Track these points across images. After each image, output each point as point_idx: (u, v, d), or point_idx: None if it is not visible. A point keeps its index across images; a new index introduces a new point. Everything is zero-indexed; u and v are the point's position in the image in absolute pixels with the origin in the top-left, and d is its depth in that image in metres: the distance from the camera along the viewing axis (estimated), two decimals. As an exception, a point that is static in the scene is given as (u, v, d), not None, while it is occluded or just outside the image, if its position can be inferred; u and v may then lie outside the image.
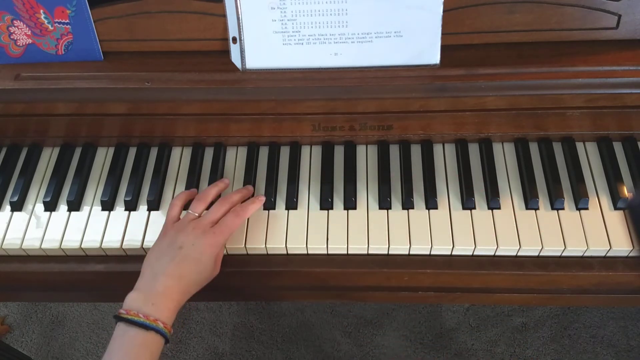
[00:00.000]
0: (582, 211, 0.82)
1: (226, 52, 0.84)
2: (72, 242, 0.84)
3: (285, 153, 0.90)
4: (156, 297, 0.71)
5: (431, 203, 0.83)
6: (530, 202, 0.82)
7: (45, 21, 0.84)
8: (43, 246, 0.84)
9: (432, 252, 0.81)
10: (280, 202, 0.85)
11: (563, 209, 0.82)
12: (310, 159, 0.90)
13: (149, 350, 0.68)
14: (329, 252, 0.82)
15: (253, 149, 0.90)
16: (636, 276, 0.80)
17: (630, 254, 0.80)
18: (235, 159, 0.91)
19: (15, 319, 1.58)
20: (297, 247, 0.82)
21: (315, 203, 0.85)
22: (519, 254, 0.81)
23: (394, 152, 0.89)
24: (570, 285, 0.84)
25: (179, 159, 0.91)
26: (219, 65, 0.85)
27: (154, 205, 0.86)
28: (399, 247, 0.81)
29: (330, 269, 0.82)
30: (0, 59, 0.87)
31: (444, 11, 0.79)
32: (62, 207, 0.88)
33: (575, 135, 0.88)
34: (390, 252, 0.82)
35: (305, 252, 0.82)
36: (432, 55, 0.82)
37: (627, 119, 0.85)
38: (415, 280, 0.83)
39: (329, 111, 0.85)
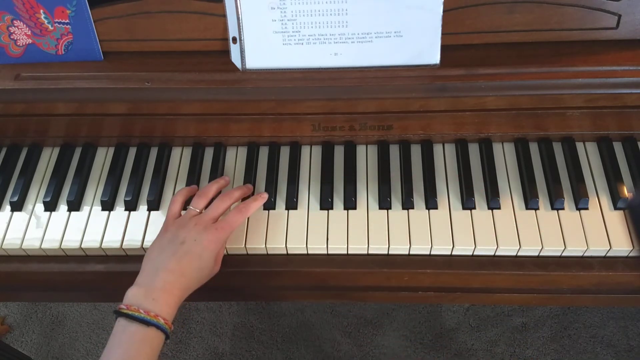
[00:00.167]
0: (582, 211, 0.82)
1: (226, 52, 0.84)
2: (72, 242, 0.84)
3: (285, 153, 0.90)
4: (157, 292, 0.70)
5: (431, 203, 0.83)
6: (530, 202, 0.82)
7: (45, 21, 0.84)
8: (43, 246, 0.84)
9: (432, 252, 0.81)
10: (280, 202, 0.85)
11: (563, 209, 0.82)
12: (310, 159, 0.90)
13: (149, 346, 0.67)
14: (329, 252, 0.82)
15: (253, 149, 0.90)
16: (636, 276, 0.80)
17: (630, 254, 0.80)
18: (235, 159, 0.91)
19: (15, 319, 1.58)
20: (297, 247, 0.82)
21: (315, 203, 0.85)
22: (519, 254, 0.81)
23: (394, 152, 0.89)
24: (570, 285, 0.84)
25: (179, 159, 0.91)
26: (219, 65, 0.85)
27: (154, 205, 0.86)
28: (399, 247, 0.81)
29: (330, 269, 0.82)
30: (0, 59, 0.87)
31: (444, 11, 0.79)
32: (62, 207, 0.88)
33: (575, 135, 0.88)
34: (390, 252, 0.82)
35: (305, 252, 0.82)
36: (432, 55, 0.82)
37: (627, 119, 0.85)
38: (415, 280, 0.83)
39: (329, 111, 0.85)
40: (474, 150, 0.89)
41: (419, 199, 0.84)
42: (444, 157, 0.89)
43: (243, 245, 0.82)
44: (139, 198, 0.87)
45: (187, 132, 0.90)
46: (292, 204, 0.85)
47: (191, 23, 0.84)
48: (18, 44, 0.86)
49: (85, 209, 0.87)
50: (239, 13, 0.81)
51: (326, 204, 0.84)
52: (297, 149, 0.90)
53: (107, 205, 0.87)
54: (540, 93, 0.81)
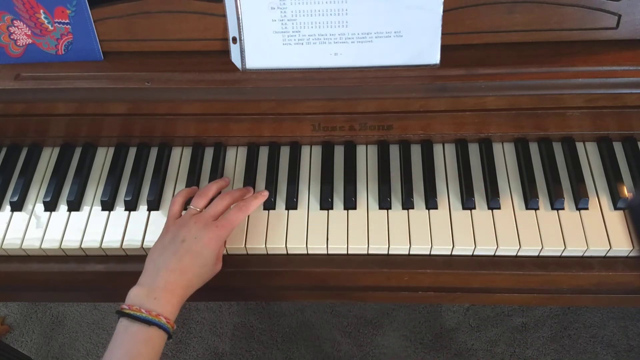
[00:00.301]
0: (582, 211, 0.82)
1: (226, 52, 0.84)
2: (72, 242, 0.84)
3: (285, 153, 0.90)
4: (159, 291, 0.70)
5: (431, 203, 0.83)
6: (530, 202, 0.82)
7: (45, 21, 0.84)
8: (43, 246, 0.84)
9: (432, 252, 0.81)
10: (280, 202, 0.85)
11: (563, 209, 0.82)
12: (310, 159, 0.90)
13: (151, 345, 0.67)
14: (329, 252, 0.82)
15: (253, 149, 0.90)
16: (636, 276, 0.80)
17: (630, 254, 0.80)
18: (235, 159, 0.91)
19: (15, 319, 1.58)
20: (297, 247, 0.82)
21: (315, 203, 0.85)
22: (519, 254, 0.81)
23: (394, 152, 0.89)
24: (570, 285, 0.84)
25: (179, 159, 0.91)
26: (219, 65, 0.85)
27: (154, 205, 0.86)
28: (399, 247, 0.81)
29: (330, 269, 0.82)
30: (0, 59, 0.87)
31: (444, 11, 0.79)
32: (62, 207, 0.88)
33: (575, 135, 0.88)
34: (390, 252, 0.82)
35: (305, 252, 0.82)
36: (432, 55, 0.82)
37: (627, 119, 0.85)
38: (415, 280, 0.83)
39: (329, 111, 0.85)
40: (474, 150, 0.89)
41: (419, 199, 0.84)
42: (444, 157, 0.89)
43: (243, 245, 0.82)
44: (139, 198, 0.87)
45: (187, 132, 0.90)
46: (292, 204, 0.85)
47: (191, 23, 0.84)
48: (18, 44, 0.86)
49: (85, 209, 0.87)
50: (239, 13, 0.81)
51: (326, 204, 0.84)
52: (297, 149, 0.90)
53: (107, 205, 0.87)
54: (540, 93, 0.81)
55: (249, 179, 0.87)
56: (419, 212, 0.83)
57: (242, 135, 0.89)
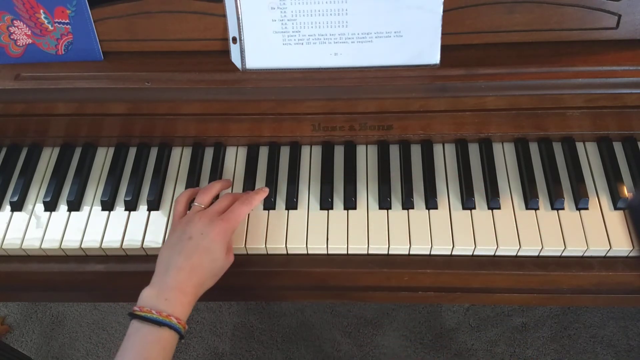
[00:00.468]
0: (582, 211, 0.82)
1: (226, 52, 0.84)
2: (72, 242, 0.84)
3: (285, 153, 0.90)
4: (169, 292, 0.70)
5: (431, 203, 0.83)
6: (530, 202, 0.82)
7: (45, 21, 0.84)
8: (43, 246, 0.84)
9: (432, 252, 0.81)
10: (280, 202, 0.85)
11: (563, 209, 0.82)
12: (310, 159, 0.90)
13: (162, 347, 0.67)
14: (329, 252, 0.82)
15: (253, 149, 0.90)
16: (636, 276, 0.80)
17: (630, 254, 0.80)
18: (235, 159, 0.91)
19: (15, 319, 1.58)
20: (297, 247, 0.82)
21: (315, 203, 0.85)
22: (519, 254, 0.81)
23: (394, 152, 0.89)
24: (570, 285, 0.84)
25: (179, 159, 0.91)
26: (219, 65, 0.85)
27: (154, 205, 0.86)
28: (399, 247, 0.81)
29: (330, 269, 0.82)
30: (0, 59, 0.87)
31: (444, 11, 0.79)
32: (62, 207, 0.88)
33: (575, 135, 0.88)
34: (390, 252, 0.82)
35: (305, 252, 0.82)
36: (432, 55, 0.82)
37: (627, 119, 0.85)
38: (415, 280, 0.83)
39: (329, 111, 0.85)
40: (474, 150, 0.89)
41: (419, 199, 0.84)
42: (444, 157, 0.89)
43: (243, 245, 0.82)
44: (139, 198, 0.87)
45: (187, 132, 0.90)
46: (292, 204, 0.85)
47: (191, 23, 0.84)
48: (18, 44, 0.86)
49: (85, 209, 0.87)
50: (239, 13, 0.81)
51: (326, 204, 0.84)
52: (297, 149, 0.90)
53: (107, 205, 0.87)
54: (540, 93, 0.81)
55: (249, 179, 0.87)
56: (419, 212, 0.83)
57: (242, 135, 0.89)
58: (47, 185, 0.89)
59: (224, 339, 1.51)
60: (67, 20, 0.84)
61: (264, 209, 0.85)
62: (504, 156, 0.88)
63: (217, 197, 0.83)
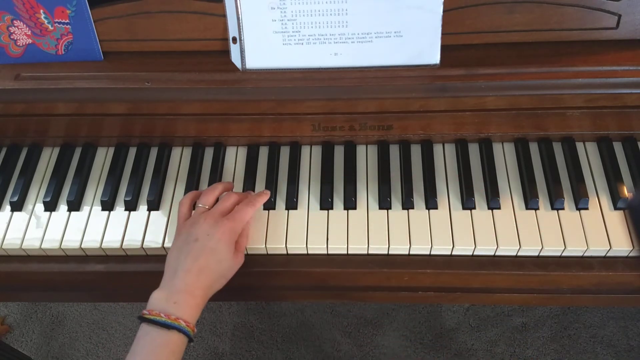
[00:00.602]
0: (582, 211, 0.82)
1: (226, 52, 0.84)
2: (72, 242, 0.84)
3: (285, 153, 0.90)
4: (178, 295, 0.70)
5: (431, 203, 0.83)
6: (530, 202, 0.82)
7: (45, 21, 0.84)
8: (43, 246, 0.84)
9: (432, 252, 0.81)
10: (280, 202, 0.85)
11: (563, 209, 0.82)
12: (310, 159, 0.90)
13: (170, 350, 0.67)
14: (329, 252, 0.82)
15: (253, 149, 0.90)
16: (636, 276, 0.80)
17: (630, 254, 0.80)
18: (235, 159, 0.91)
19: (15, 319, 1.58)
20: (297, 247, 0.82)
21: (315, 203, 0.85)
22: (519, 254, 0.81)
23: (394, 152, 0.89)
24: (570, 285, 0.84)
25: (179, 159, 0.91)
26: (219, 65, 0.85)
27: (154, 205, 0.86)
28: (399, 247, 0.81)
29: (330, 269, 0.82)
30: (0, 59, 0.87)
31: (444, 11, 0.79)
32: (62, 207, 0.88)
33: (575, 135, 0.88)
34: (390, 252, 0.82)
35: (305, 252, 0.82)
36: (432, 55, 0.82)
37: (627, 119, 0.85)
38: (415, 280, 0.83)
39: (329, 111, 0.85)
40: (474, 150, 0.89)
41: (419, 199, 0.84)
42: (444, 157, 0.89)
43: (243, 245, 0.82)
44: (139, 198, 0.87)
45: (187, 132, 0.90)
46: (292, 204, 0.85)
47: (191, 23, 0.84)
48: (18, 44, 0.86)
49: (85, 209, 0.87)
50: (239, 13, 0.81)
51: (326, 204, 0.84)
52: (297, 149, 0.90)
53: (107, 205, 0.87)
54: (540, 93, 0.81)
55: (249, 179, 0.87)
56: (419, 212, 0.83)
57: (242, 135, 0.89)
58: (47, 185, 0.89)
59: (224, 339, 1.51)
60: (67, 20, 0.84)
61: (264, 209, 0.85)
62: (504, 156, 0.88)
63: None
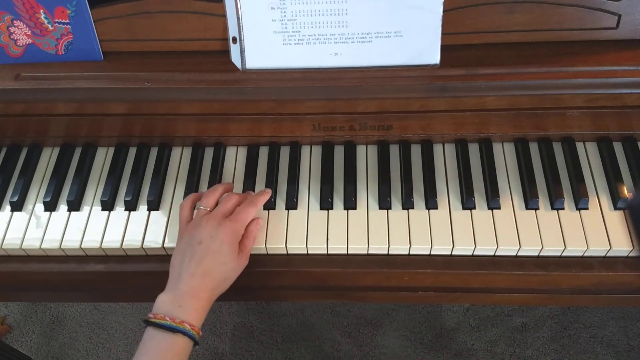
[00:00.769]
0: (582, 211, 0.82)
1: (226, 52, 0.84)
2: (72, 242, 0.84)
3: (285, 153, 0.90)
4: (183, 298, 0.70)
5: (431, 203, 0.83)
6: (530, 202, 0.82)
7: (45, 21, 0.84)
8: (43, 246, 0.84)
9: (432, 252, 0.81)
10: (280, 202, 0.85)
11: (563, 209, 0.82)
12: (310, 159, 0.90)
13: (175, 353, 0.68)
14: (329, 252, 0.82)
15: (253, 149, 0.90)
16: (636, 276, 0.80)
17: (630, 254, 0.80)
18: (235, 159, 0.91)
19: (15, 319, 1.58)
20: (297, 247, 0.82)
21: (315, 203, 0.85)
22: (519, 254, 0.81)
23: (394, 152, 0.89)
24: (570, 285, 0.84)
25: (179, 159, 0.91)
26: (219, 65, 0.85)
27: (154, 205, 0.86)
28: (399, 247, 0.81)
29: (330, 269, 0.82)
30: (0, 59, 0.87)
31: (444, 11, 0.79)
32: (62, 207, 0.88)
33: (575, 135, 0.88)
34: (390, 252, 0.82)
35: (306, 252, 0.82)
36: (432, 55, 0.82)
37: (627, 119, 0.85)
38: (415, 280, 0.83)
39: (329, 111, 0.85)
40: (474, 150, 0.89)
41: (419, 199, 0.84)
42: (444, 157, 0.89)
43: (243, 245, 0.82)
44: (139, 198, 0.87)
45: (187, 132, 0.90)
46: (292, 204, 0.85)
47: (191, 23, 0.84)
48: (18, 44, 0.86)
49: (85, 209, 0.87)
50: (239, 13, 0.81)
51: (326, 204, 0.84)
52: (297, 149, 0.90)
53: (107, 205, 0.87)
54: (540, 93, 0.81)
55: (249, 179, 0.87)
56: (419, 212, 0.83)
57: (242, 135, 0.89)
58: (47, 185, 0.89)
59: (224, 339, 1.51)
60: (67, 20, 0.84)
61: (264, 209, 0.85)
62: (504, 156, 0.88)
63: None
